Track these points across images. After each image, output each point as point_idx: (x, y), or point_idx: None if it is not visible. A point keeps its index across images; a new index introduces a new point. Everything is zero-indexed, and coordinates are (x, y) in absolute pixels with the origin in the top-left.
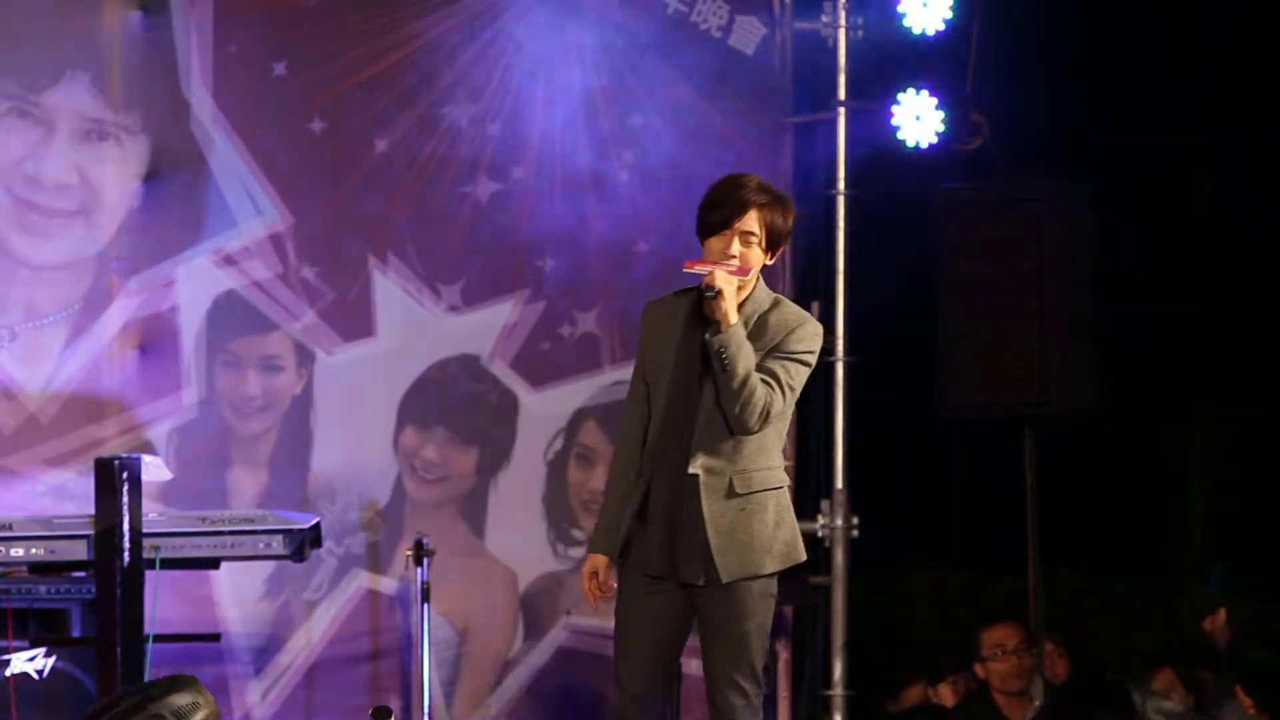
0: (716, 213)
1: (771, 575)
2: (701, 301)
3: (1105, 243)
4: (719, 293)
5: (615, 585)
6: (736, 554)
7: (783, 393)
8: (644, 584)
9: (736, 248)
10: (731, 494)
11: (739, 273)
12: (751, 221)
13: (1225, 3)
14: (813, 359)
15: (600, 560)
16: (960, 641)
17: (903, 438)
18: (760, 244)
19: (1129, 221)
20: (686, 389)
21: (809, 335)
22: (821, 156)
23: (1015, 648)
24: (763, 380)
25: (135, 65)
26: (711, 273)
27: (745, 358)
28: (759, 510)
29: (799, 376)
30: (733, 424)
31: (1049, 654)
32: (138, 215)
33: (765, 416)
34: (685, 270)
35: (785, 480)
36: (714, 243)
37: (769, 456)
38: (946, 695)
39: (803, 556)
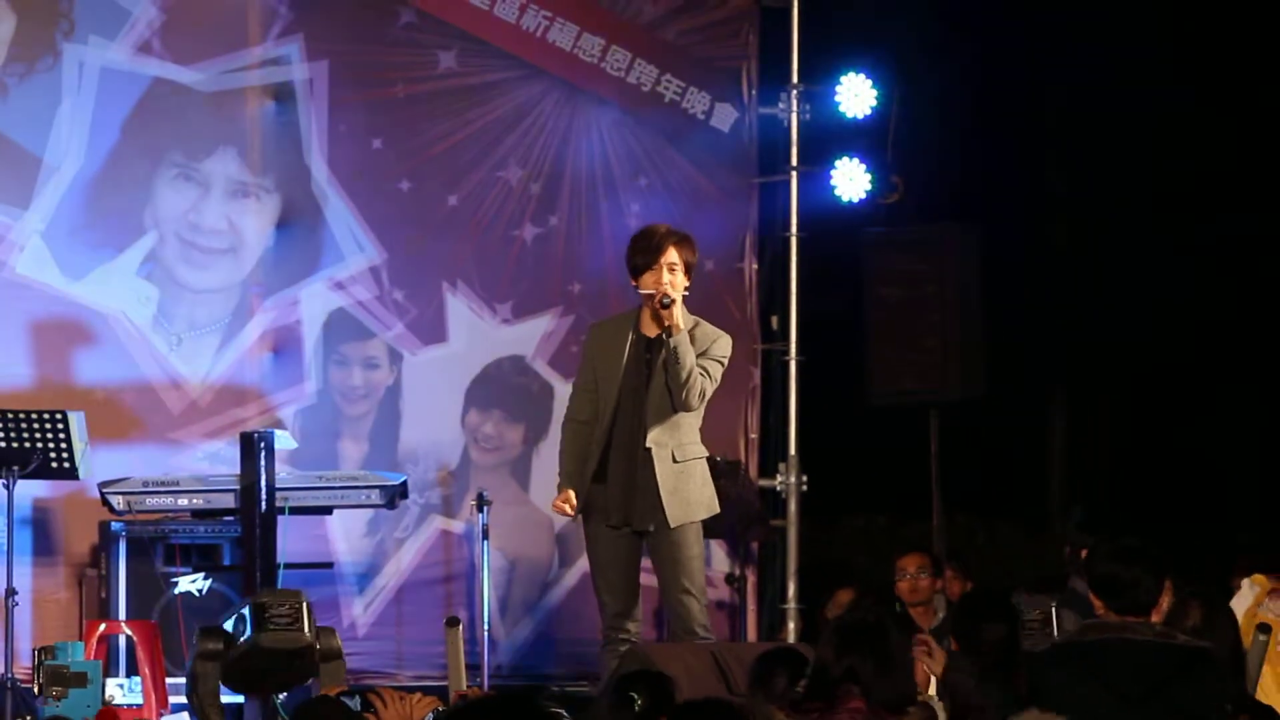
0: (644, 254)
1: (700, 521)
2: (638, 326)
3: (989, 272)
4: (673, 301)
5: (576, 510)
6: (681, 506)
7: (711, 381)
8: (607, 532)
9: (666, 277)
10: (674, 461)
11: (676, 287)
12: (673, 254)
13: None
14: (727, 360)
15: (571, 492)
16: (882, 569)
17: (840, 417)
18: (682, 271)
19: (1007, 256)
20: (635, 389)
21: (724, 344)
22: (779, 208)
23: (915, 571)
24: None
25: (270, 141)
26: (662, 288)
27: (690, 354)
28: (692, 473)
29: (717, 372)
30: (679, 403)
31: (949, 578)
32: (272, 252)
33: (702, 397)
34: (639, 290)
35: (705, 452)
36: (646, 278)
37: (695, 434)
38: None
39: (719, 509)
